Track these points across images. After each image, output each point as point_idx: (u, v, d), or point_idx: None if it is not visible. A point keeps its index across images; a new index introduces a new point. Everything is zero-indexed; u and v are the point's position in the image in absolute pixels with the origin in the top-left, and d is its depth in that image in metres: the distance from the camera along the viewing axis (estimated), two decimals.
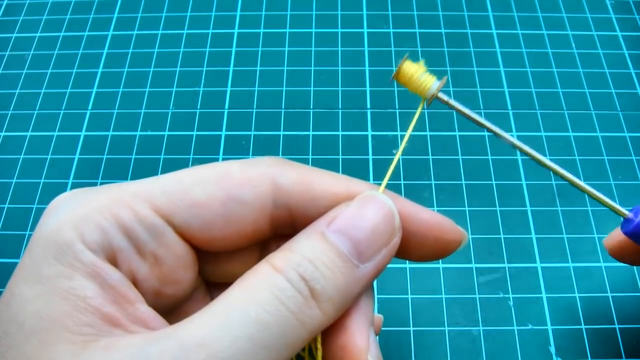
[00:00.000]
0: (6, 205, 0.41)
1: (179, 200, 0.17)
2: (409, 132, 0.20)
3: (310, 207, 0.18)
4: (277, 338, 0.15)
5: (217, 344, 0.14)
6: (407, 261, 0.27)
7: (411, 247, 0.19)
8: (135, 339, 0.14)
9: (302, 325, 0.15)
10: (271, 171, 0.18)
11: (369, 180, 0.41)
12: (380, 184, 0.19)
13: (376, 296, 0.37)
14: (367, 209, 0.17)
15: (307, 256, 0.16)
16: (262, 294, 0.15)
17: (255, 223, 0.18)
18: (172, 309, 0.18)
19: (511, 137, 0.21)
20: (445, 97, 0.20)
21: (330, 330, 0.17)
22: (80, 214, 0.16)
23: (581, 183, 0.22)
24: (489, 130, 0.21)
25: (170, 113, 0.45)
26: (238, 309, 0.15)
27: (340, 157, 0.42)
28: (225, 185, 0.17)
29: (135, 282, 0.17)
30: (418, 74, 0.20)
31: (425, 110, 0.45)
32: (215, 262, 0.19)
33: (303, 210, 0.18)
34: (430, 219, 0.18)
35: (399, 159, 0.21)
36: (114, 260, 0.16)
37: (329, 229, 0.17)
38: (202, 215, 0.17)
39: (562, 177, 0.22)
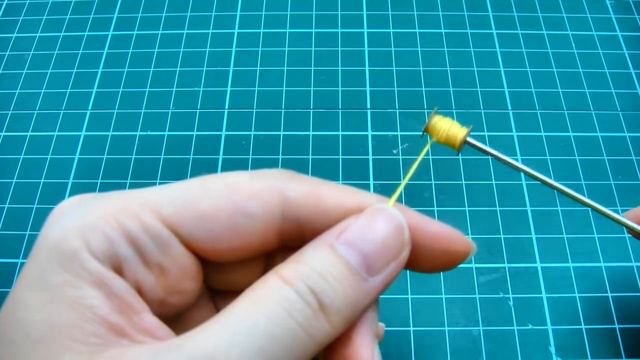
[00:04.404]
0: (6, 205, 0.41)
1: (186, 211, 0.17)
2: (417, 163, 0.21)
3: (319, 220, 0.17)
4: (286, 351, 0.15)
5: (225, 356, 0.14)
6: None
7: (420, 260, 0.18)
8: (142, 350, 0.14)
9: (311, 338, 0.15)
10: (280, 184, 0.17)
11: (369, 180, 0.41)
12: (375, 189, 0.19)
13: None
14: (377, 222, 0.17)
15: (316, 268, 0.16)
16: (271, 307, 0.15)
17: (263, 236, 0.17)
18: (175, 317, 0.18)
19: (555, 182, 0.22)
20: (475, 142, 0.22)
21: (335, 343, 0.17)
22: (86, 221, 0.16)
23: (612, 213, 0.23)
24: (528, 174, 0.22)
25: (170, 113, 0.45)
26: (246, 322, 0.14)
27: (340, 157, 0.42)
28: (233, 198, 0.17)
29: (140, 292, 0.16)
30: (446, 126, 0.21)
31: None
32: (221, 272, 0.19)
33: (312, 224, 0.18)
34: (439, 231, 0.18)
35: (408, 179, 0.21)
36: (119, 270, 0.16)
37: (338, 241, 0.16)
38: (209, 227, 0.17)
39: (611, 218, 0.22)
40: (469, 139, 0.21)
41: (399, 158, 0.42)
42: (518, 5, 0.51)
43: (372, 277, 0.16)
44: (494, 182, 0.41)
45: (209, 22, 0.50)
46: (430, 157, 0.42)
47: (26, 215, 0.41)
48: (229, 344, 0.14)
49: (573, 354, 0.35)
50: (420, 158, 0.20)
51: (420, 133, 0.22)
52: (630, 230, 0.26)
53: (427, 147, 0.21)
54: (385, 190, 0.18)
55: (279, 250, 0.19)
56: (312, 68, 0.47)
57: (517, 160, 0.42)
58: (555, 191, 0.41)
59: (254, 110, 0.45)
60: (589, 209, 0.40)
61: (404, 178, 0.42)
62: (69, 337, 0.14)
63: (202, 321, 0.15)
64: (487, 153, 0.22)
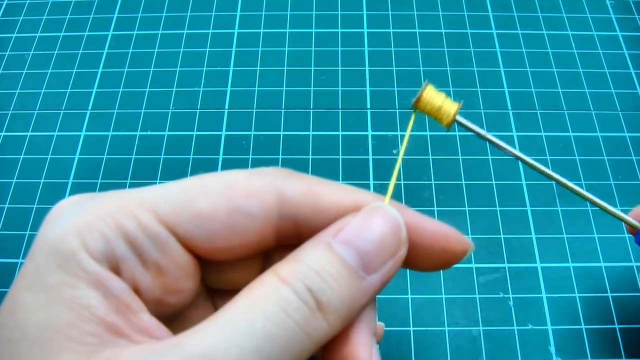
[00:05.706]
0: (6, 205, 0.41)
1: (183, 210, 0.17)
2: (407, 139, 0.21)
3: (317, 218, 0.18)
4: (284, 350, 0.15)
5: (223, 355, 0.14)
6: None
7: (417, 258, 0.18)
8: (139, 350, 0.14)
9: (308, 337, 0.15)
10: (277, 182, 0.17)
11: (369, 180, 0.41)
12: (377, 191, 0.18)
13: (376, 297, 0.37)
14: (374, 221, 0.17)
15: (314, 267, 0.16)
16: (269, 306, 0.15)
17: (260, 234, 0.17)
18: (173, 317, 0.18)
19: (534, 161, 0.22)
20: (464, 121, 0.21)
21: (333, 341, 0.17)
22: (84, 221, 0.16)
23: (606, 205, 0.23)
24: (510, 154, 0.22)
25: (170, 113, 0.45)
26: (244, 321, 0.14)
27: (340, 157, 0.42)
28: (230, 196, 0.17)
29: (137, 292, 0.16)
30: (437, 100, 0.20)
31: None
32: (218, 271, 0.19)
33: (309, 222, 0.18)
34: (437, 230, 0.18)
35: (400, 166, 0.21)
36: (116, 270, 0.16)
37: (335, 239, 0.16)
38: (206, 226, 0.17)
39: (595, 204, 0.23)
40: (459, 118, 0.21)
41: (400, 165, 0.42)
42: (518, 5, 0.51)
43: (370, 276, 0.16)
44: (494, 182, 0.41)
45: (209, 22, 0.50)
46: (430, 157, 0.42)
47: (26, 215, 0.41)
48: (227, 343, 0.14)
49: (573, 354, 0.35)
50: (408, 132, 0.20)
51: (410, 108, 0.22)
52: (630, 227, 0.26)
53: (412, 120, 0.21)
54: (385, 190, 0.18)
55: (277, 249, 0.19)
56: (312, 68, 0.47)
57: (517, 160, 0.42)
58: (555, 190, 0.41)
59: (254, 110, 0.45)
60: (589, 209, 0.40)
61: (403, 178, 0.42)
62: (67, 337, 0.14)
63: (200, 320, 0.15)
64: (474, 132, 0.21)
